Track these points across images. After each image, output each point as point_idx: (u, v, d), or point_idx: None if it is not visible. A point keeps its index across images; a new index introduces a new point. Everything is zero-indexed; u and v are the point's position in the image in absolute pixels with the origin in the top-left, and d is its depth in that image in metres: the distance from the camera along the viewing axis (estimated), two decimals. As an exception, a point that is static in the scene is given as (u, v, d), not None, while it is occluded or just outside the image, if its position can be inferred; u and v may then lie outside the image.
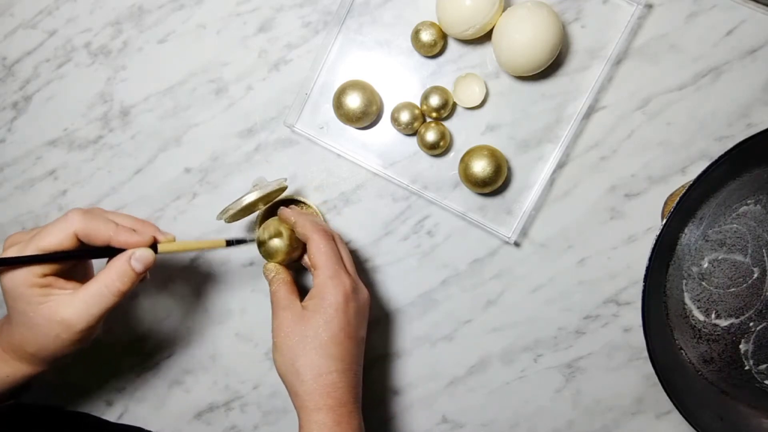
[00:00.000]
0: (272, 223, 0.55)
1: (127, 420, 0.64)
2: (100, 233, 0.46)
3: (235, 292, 0.62)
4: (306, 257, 0.56)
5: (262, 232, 0.54)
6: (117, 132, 0.62)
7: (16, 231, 0.63)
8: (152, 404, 0.64)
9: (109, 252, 0.47)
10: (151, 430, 0.64)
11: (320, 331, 0.49)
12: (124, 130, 0.62)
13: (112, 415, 0.64)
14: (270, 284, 0.53)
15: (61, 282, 0.46)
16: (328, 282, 0.50)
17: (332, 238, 0.53)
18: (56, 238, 0.45)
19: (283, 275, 0.53)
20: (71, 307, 0.45)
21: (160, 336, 0.63)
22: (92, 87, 0.62)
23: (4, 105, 0.63)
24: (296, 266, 0.59)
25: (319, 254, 0.51)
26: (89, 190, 0.63)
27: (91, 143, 0.63)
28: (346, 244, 0.59)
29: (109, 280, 0.46)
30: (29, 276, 0.45)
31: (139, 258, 0.46)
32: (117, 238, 0.46)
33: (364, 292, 0.53)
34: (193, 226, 0.62)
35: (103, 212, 0.48)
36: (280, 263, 0.54)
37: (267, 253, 0.54)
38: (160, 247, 0.48)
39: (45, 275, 0.45)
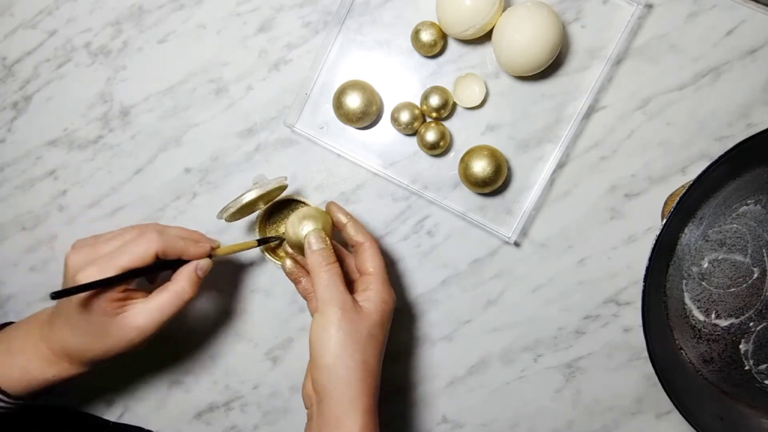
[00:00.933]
0: (312, 209, 0.54)
1: (127, 420, 0.64)
2: (175, 249, 0.50)
3: (235, 292, 0.62)
4: None
5: (301, 210, 0.53)
6: (117, 132, 0.62)
7: (16, 231, 0.63)
8: (152, 404, 0.64)
9: (178, 264, 0.51)
10: (151, 430, 0.64)
11: (379, 332, 0.50)
12: (124, 130, 0.62)
13: (112, 415, 0.64)
14: (315, 256, 0.51)
15: (133, 292, 0.50)
16: (388, 289, 0.52)
17: None
18: (138, 258, 0.48)
19: (333, 254, 0.51)
20: (146, 314, 0.49)
21: (160, 336, 0.63)
22: (92, 87, 0.62)
23: (4, 105, 0.63)
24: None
25: (377, 260, 0.53)
26: (89, 190, 0.63)
27: (91, 143, 0.63)
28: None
29: (180, 288, 0.50)
30: (112, 293, 0.48)
31: (202, 267, 0.51)
32: (188, 252, 0.51)
33: None
34: (193, 227, 0.61)
35: (166, 228, 0.52)
36: (298, 253, 0.53)
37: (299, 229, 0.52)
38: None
39: (125, 289, 0.49)
